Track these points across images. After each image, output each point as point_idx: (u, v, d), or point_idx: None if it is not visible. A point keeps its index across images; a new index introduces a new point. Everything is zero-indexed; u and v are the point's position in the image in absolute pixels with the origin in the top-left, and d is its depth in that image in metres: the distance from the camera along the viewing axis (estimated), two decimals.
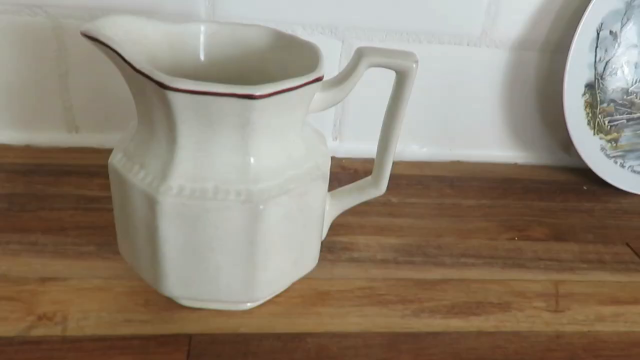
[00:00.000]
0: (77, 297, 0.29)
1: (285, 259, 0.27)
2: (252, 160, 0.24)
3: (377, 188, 0.32)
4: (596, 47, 0.42)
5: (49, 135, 0.42)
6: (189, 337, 0.27)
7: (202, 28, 0.29)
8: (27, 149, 0.41)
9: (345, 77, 0.27)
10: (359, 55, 0.27)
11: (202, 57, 0.29)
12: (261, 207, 0.24)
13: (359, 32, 0.42)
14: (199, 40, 0.29)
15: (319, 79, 0.24)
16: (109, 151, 0.42)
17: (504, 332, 0.30)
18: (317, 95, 0.26)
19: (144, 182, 0.24)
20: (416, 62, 0.28)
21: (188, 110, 0.23)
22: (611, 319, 0.31)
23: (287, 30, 0.41)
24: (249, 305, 0.29)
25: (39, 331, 0.27)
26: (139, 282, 0.30)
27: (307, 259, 0.29)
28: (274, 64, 0.29)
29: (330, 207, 0.32)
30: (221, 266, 0.26)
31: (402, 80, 0.28)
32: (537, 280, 0.34)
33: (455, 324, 0.30)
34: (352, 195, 0.33)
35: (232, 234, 0.25)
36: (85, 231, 0.33)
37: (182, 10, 0.39)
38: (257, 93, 0.22)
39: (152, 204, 0.24)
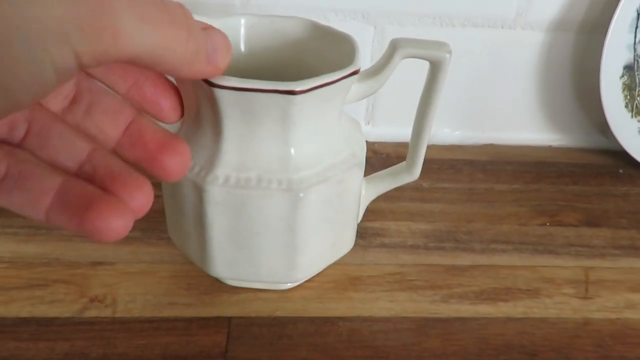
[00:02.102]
0: (125, 281, 0.31)
1: (324, 243, 0.29)
2: (292, 150, 0.26)
3: (410, 174, 0.33)
4: (636, 27, 0.41)
5: None
6: (229, 319, 0.29)
7: (243, 21, 0.30)
8: None
9: (379, 69, 0.28)
10: (394, 47, 0.28)
11: (242, 48, 0.31)
12: (301, 194, 0.26)
13: (391, 17, 0.42)
14: (240, 32, 0.30)
15: (355, 72, 0.25)
16: None
17: (531, 318, 0.30)
18: (353, 86, 0.27)
19: (192, 172, 0.26)
20: (449, 52, 0.28)
21: (233, 105, 0.24)
22: None
23: (320, 16, 0.41)
24: (289, 285, 0.31)
25: (92, 312, 0.29)
26: (181, 266, 0.32)
27: (344, 241, 0.31)
28: (310, 54, 0.30)
29: (366, 192, 0.33)
30: (264, 249, 0.28)
31: (435, 70, 0.29)
32: (567, 266, 0.34)
33: (484, 309, 0.31)
34: (386, 181, 0.34)
35: (274, 220, 0.27)
36: None
37: (218, 0, 0.40)
38: (298, 89, 0.23)
39: (200, 192, 0.26)
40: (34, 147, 0.18)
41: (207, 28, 0.18)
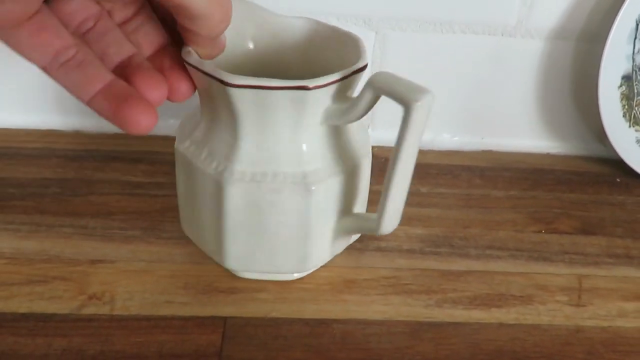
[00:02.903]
0: (123, 279, 0.31)
1: (334, 233, 0.30)
2: (304, 146, 0.27)
3: (378, 228, 0.28)
4: (635, 38, 0.41)
5: (97, 122, 0.45)
6: (224, 319, 0.29)
7: (253, 19, 0.31)
8: (77, 135, 0.44)
9: (355, 101, 0.26)
10: (369, 81, 0.26)
11: (251, 46, 0.32)
12: (313, 187, 0.27)
13: (393, 22, 0.42)
14: (247, 30, 0.31)
15: (364, 68, 0.26)
16: (151, 138, 0.45)
17: (524, 324, 0.31)
18: (329, 102, 0.27)
19: (211, 166, 0.27)
20: (420, 101, 0.24)
21: (247, 103, 0.25)
22: (634, 315, 0.32)
23: (322, 21, 0.42)
24: (296, 275, 0.32)
25: (90, 309, 0.29)
26: (179, 266, 0.32)
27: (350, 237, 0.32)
28: (317, 52, 0.31)
29: (331, 245, 0.31)
30: (279, 242, 0.29)
31: (406, 116, 0.24)
32: (561, 274, 0.34)
33: (477, 315, 0.31)
34: (353, 227, 0.30)
35: (289, 213, 0.28)
36: (131, 216, 0.36)
37: None
38: (311, 85, 0.24)
39: (218, 187, 0.27)
40: (93, 40, 0.23)
41: None
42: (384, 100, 0.47)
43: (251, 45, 0.32)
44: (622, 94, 0.42)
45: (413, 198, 0.40)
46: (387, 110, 0.46)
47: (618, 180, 0.45)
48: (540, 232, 0.38)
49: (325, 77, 0.25)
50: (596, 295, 0.33)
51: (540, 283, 0.34)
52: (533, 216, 0.40)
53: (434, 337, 0.30)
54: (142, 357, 0.27)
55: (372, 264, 0.34)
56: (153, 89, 0.23)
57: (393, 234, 0.36)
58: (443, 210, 0.39)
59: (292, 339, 0.29)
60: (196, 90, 0.27)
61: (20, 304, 0.29)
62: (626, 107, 0.43)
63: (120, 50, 0.23)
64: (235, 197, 0.27)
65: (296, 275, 0.32)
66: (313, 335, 0.29)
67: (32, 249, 0.33)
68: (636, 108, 0.43)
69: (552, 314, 0.32)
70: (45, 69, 0.21)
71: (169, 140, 0.31)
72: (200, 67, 0.25)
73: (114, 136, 0.44)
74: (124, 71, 0.23)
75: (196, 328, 0.29)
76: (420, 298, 0.32)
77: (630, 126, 0.43)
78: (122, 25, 0.24)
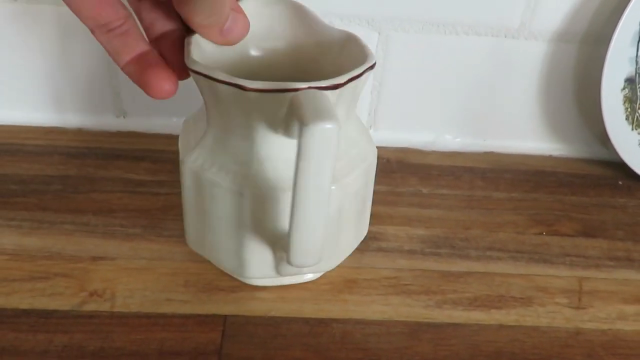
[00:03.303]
0: (124, 276, 0.31)
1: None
2: None
3: (289, 261, 0.26)
4: (638, 41, 0.41)
5: (99, 120, 0.45)
6: (224, 317, 0.30)
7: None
8: (79, 132, 0.44)
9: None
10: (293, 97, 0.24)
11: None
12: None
13: (396, 23, 0.42)
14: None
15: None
16: (154, 136, 0.45)
17: (523, 326, 0.31)
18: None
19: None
20: (314, 128, 0.21)
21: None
22: (634, 317, 0.32)
23: (325, 21, 0.42)
24: (311, 276, 0.32)
25: (90, 306, 0.30)
26: (180, 264, 0.32)
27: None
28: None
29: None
30: None
31: (298, 142, 0.22)
32: (561, 276, 0.34)
33: (476, 316, 0.31)
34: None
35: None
36: (132, 214, 0.36)
37: None
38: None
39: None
40: (143, 11, 0.25)
41: (237, 10, 0.25)
42: (386, 102, 0.47)
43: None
44: (625, 96, 0.42)
45: (414, 199, 0.40)
46: (389, 111, 0.47)
47: (620, 183, 0.44)
48: (541, 234, 0.38)
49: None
50: (596, 297, 0.33)
51: (541, 285, 0.34)
52: (534, 218, 0.39)
53: (433, 337, 0.30)
54: (142, 355, 0.27)
55: (373, 264, 0.34)
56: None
57: (394, 235, 0.36)
58: (444, 212, 0.39)
59: (292, 337, 0.29)
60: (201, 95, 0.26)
61: (22, 300, 0.29)
62: (629, 109, 0.43)
63: (164, 25, 0.25)
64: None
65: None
66: (312, 335, 0.29)
67: (33, 246, 0.33)
68: (639, 111, 0.43)
69: (551, 315, 0.32)
70: (93, 31, 0.24)
71: (172, 138, 0.31)
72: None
73: (117, 134, 0.44)
74: (160, 44, 0.25)
75: (196, 326, 0.29)
76: (420, 299, 0.32)
77: (633, 129, 0.43)
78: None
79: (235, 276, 0.31)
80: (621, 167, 0.45)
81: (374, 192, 0.31)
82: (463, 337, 0.30)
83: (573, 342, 0.30)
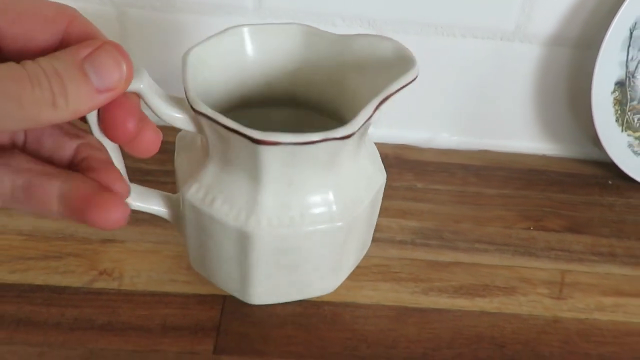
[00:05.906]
0: (132, 258, 0.34)
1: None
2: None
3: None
4: (629, 46, 0.42)
5: None
6: (224, 297, 0.32)
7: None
8: None
9: None
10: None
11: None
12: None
13: (396, 25, 0.44)
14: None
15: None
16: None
17: (505, 313, 0.33)
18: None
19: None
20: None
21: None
22: (611, 309, 0.34)
23: (327, 21, 0.44)
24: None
25: (100, 284, 0.32)
26: (184, 248, 0.34)
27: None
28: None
29: None
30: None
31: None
32: (544, 268, 0.36)
33: (461, 303, 0.33)
34: None
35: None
36: None
37: (230, 1, 0.43)
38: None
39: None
40: (33, 150, 0.21)
41: (90, 53, 0.19)
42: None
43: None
44: (615, 99, 0.44)
45: (408, 193, 0.42)
46: (388, 108, 0.48)
47: (610, 182, 0.46)
48: (528, 229, 0.40)
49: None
50: (577, 289, 0.35)
51: (524, 276, 0.35)
52: (523, 214, 0.41)
53: (418, 321, 0.31)
54: (146, 329, 0.30)
55: (365, 253, 0.36)
56: (114, 183, 0.22)
57: (387, 226, 0.38)
58: (436, 205, 0.41)
59: (285, 317, 0.31)
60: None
61: (37, 277, 0.32)
62: (619, 112, 0.44)
63: (62, 148, 0.22)
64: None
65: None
66: (305, 315, 0.31)
67: (48, 228, 0.35)
68: (629, 113, 0.44)
69: (532, 304, 0.33)
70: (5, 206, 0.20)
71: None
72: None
73: None
74: (80, 165, 0.22)
75: (197, 305, 0.31)
76: (407, 285, 0.34)
77: (622, 131, 0.45)
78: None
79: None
80: (611, 168, 0.46)
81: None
82: (446, 322, 0.32)
83: (551, 329, 0.32)
